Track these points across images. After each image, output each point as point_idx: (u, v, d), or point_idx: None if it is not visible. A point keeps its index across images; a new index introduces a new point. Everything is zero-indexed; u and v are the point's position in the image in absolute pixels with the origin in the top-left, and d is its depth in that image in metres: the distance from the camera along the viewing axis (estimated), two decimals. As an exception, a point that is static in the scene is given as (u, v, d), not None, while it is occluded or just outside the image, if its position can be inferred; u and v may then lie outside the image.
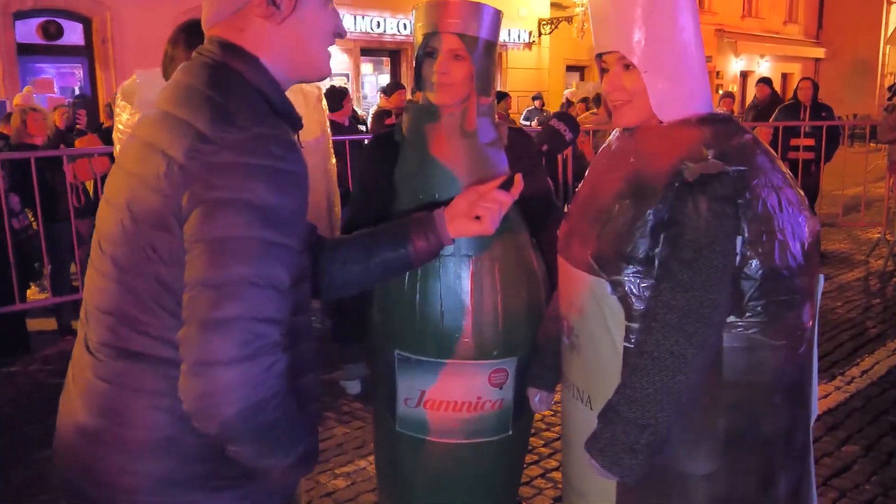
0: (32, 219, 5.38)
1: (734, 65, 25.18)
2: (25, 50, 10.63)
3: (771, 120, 8.25)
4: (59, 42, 11.20)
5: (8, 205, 5.04)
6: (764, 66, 26.20)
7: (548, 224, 2.06)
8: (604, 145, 1.70)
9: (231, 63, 1.21)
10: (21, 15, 10.51)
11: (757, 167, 1.43)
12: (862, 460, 3.47)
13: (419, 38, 1.95)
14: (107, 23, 11.01)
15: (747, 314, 1.42)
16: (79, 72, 11.68)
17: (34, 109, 5.80)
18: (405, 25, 14.51)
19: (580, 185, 1.72)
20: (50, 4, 10.60)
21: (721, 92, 14.71)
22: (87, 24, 11.20)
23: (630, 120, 1.56)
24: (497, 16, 1.96)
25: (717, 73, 23.65)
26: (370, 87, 15.62)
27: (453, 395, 1.98)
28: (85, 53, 11.41)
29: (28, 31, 10.77)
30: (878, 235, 8.06)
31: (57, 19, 10.76)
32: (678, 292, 1.38)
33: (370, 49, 15.44)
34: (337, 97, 6.44)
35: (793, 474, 1.54)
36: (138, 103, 2.20)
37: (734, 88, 22.92)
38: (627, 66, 1.51)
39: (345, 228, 2.13)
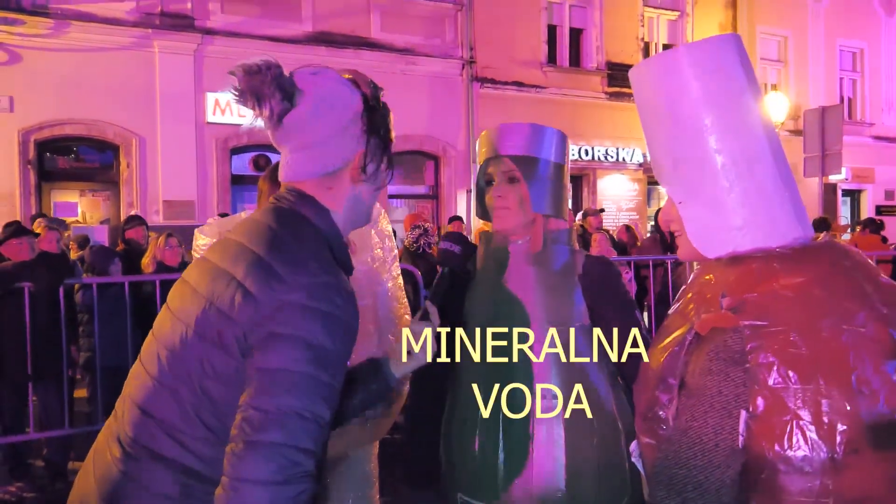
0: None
1: None
2: (238, 180, 11.83)
3: None
4: (267, 173, 12.35)
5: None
6: None
7: (636, 365, 1.81)
8: None
9: (303, 211, 1.37)
10: (237, 150, 11.79)
11: (786, 323, 1.08)
12: None
13: (480, 169, 1.94)
14: (308, 155, 12.02)
15: None
16: (282, 199, 12.76)
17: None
18: (587, 151, 14.59)
19: None
20: (262, 140, 11.72)
21: None
22: (292, 156, 12.29)
23: (682, 253, 1.35)
24: (555, 136, 1.87)
25: None
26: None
27: None
28: (288, 183, 12.48)
29: (242, 164, 12.01)
30: None
31: (266, 153, 11.90)
32: (665, 465, 1.13)
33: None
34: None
35: None
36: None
37: None
38: None
39: None
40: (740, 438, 1.07)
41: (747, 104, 1.25)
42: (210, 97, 11.27)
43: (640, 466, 1.27)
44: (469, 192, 13.46)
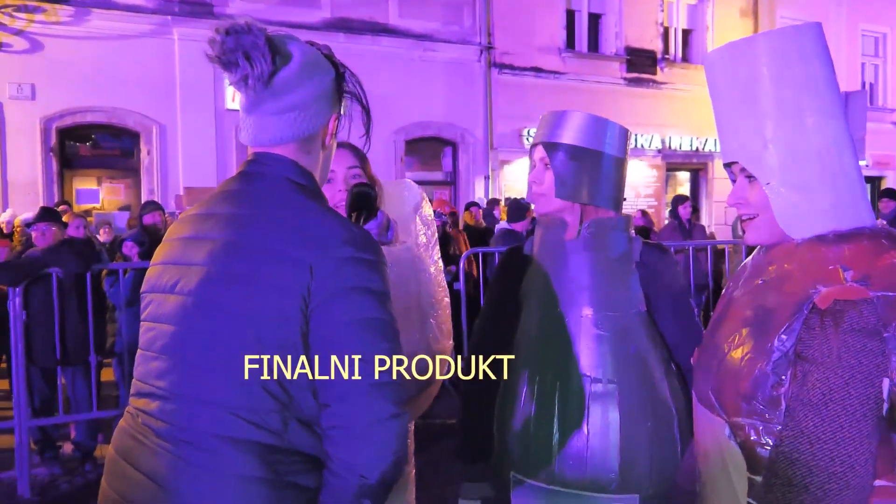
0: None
1: None
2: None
3: None
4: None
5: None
6: None
7: (689, 351, 1.83)
8: (742, 262, 1.47)
9: (295, 178, 1.38)
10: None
11: None
12: None
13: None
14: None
15: None
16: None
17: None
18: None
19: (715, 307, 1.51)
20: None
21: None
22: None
23: (759, 237, 1.34)
24: (588, 121, 1.86)
25: None
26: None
27: None
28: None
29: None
30: None
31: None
32: (802, 443, 1.10)
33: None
34: (521, 210, 7.09)
35: None
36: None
37: None
38: (750, 178, 1.31)
39: (473, 343, 2.06)
40: (885, 406, 1.08)
41: (837, 90, 1.29)
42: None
43: (737, 450, 1.24)
44: (486, 178, 13.43)
